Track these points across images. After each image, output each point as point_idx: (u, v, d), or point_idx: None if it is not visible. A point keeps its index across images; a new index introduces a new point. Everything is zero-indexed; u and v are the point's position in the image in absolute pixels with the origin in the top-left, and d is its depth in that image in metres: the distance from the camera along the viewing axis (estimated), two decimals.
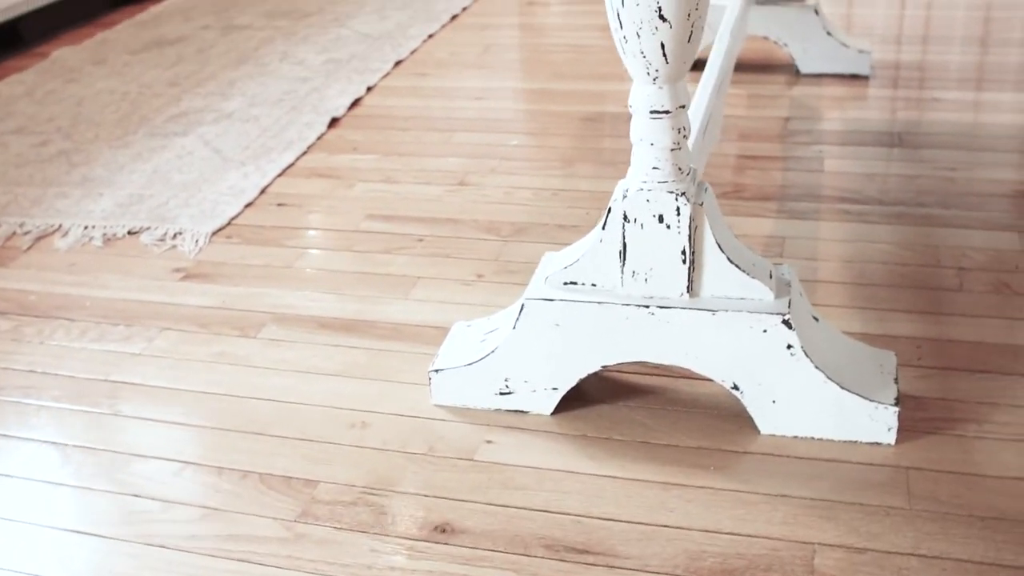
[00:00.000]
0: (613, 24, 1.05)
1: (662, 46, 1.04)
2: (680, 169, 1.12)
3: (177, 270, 1.66)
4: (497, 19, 2.79)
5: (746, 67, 2.30)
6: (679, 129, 1.10)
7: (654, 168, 1.11)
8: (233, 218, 1.82)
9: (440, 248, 1.65)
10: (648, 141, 1.11)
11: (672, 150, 1.11)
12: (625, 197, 1.13)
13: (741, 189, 1.77)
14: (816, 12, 2.17)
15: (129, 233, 1.81)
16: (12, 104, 2.45)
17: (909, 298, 1.43)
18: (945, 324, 1.36)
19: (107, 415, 1.29)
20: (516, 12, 2.84)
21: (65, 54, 2.77)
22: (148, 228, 1.81)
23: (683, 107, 1.10)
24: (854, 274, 1.50)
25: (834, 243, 1.59)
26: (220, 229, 1.79)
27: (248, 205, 1.87)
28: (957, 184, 1.75)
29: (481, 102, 2.24)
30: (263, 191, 1.91)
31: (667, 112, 1.09)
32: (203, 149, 2.09)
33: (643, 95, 1.09)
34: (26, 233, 1.84)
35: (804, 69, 2.24)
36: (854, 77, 2.23)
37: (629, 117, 1.96)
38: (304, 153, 2.05)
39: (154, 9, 3.12)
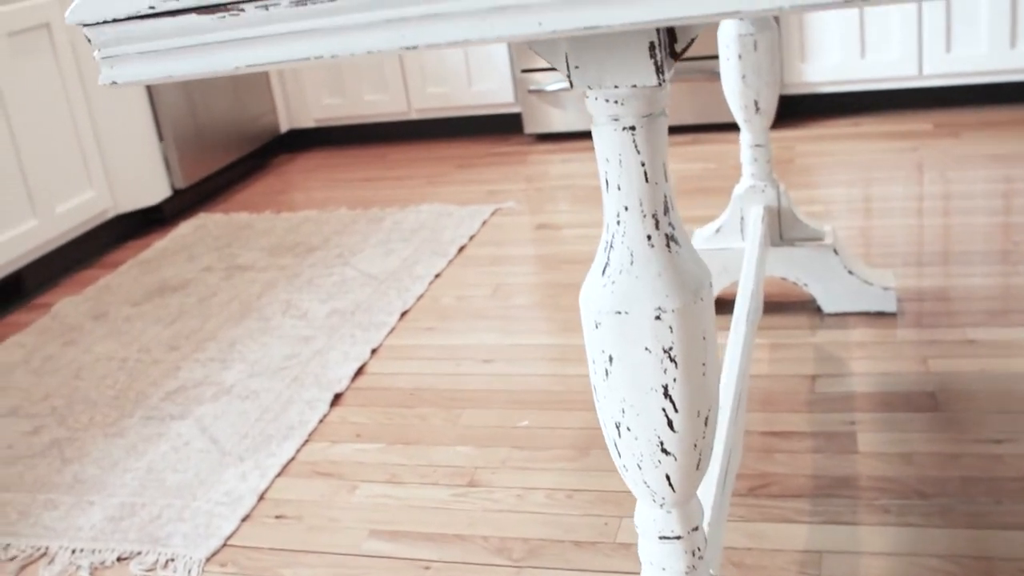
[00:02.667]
0: (612, 452, 0.95)
1: (667, 478, 0.93)
2: None
3: None
4: (507, 249, 2.71)
5: (767, 307, 2.19)
6: (693, 552, 0.98)
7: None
8: (228, 537, 1.71)
9: None
10: (659, 566, 0.99)
11: (686, 574, 0.99)
12: None
13: (768, 482, 1.64)
14: (835, 252, 2.07)
15: (118, 560, 1.69)
16: (10, 374, 2.37)
17: None
18: None
19: None
20: (527, 240, 2.76)
21: (66, 308, 2.71)
22: (139, 553, 1.70)
23: (696, 529, 0.98)
24: None
25: (877, 559, 1.45)
26: (214, 554, 1.67)
27: (245, 519, 1.75)
28: (1006, 464, 1.62)
29: (490, 366, 2.13)
30: (261, 497, 1.80)
31: (678, 537, 0.97)
32: (200, 438, 1.99)
33: (649, 518, 0.98)
34: (11, 559, 1.73)
35: (827, 308, 2.13)
36: (880, 315, 2.11)
37: None
38: (306, 442, 1.95)
39: (159, 244, 3.07)
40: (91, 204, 2.97)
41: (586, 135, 3.56)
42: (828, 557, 1.47)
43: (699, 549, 0.99)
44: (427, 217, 2.99)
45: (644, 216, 0.86)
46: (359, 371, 2.19)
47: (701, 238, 2.15)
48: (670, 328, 0.87)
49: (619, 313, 0.88)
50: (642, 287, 0.87)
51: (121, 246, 3.16)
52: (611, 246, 0.89)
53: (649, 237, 0.87)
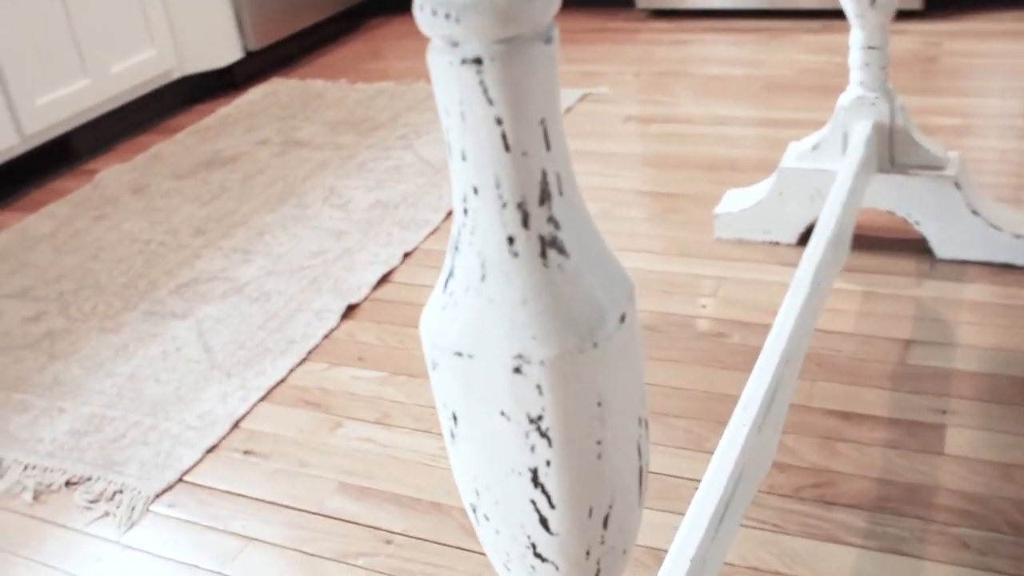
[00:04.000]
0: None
1: None
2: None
3: (95, 559, 1.35)
4: (584, 143, 2.36)
5: (866, 243, 1.81)
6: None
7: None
8: (186, 472, 1.49)
9: (408, 559, 1.27)
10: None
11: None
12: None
13: (821, 482, 1.31)
14: (957, 185, 1.67)
15: (67, 484, 1.50)
16: (32, 250, 2.20)
17: None
18: None
19: None
20: (612, 134, 2.41)
21: (109, 177, 2.52)
22: (88, 480, 1.50)
23: None
24: None
25: None
26: (165, 490, 1.46)
27: (211, 450, 1.53)
28: None
29: None
30: (236, 425, 1.58)
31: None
32: (194, 345, 1.77)
33: None
34: None
35: (941, 253, 1.74)
36: (1007, 268, 1.71)
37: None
38: (302, 361, 1.70)
39: (222, 111, 2.84)
40: (152, 64, 2.74)
41: (711, 14, 3.12)
42: None
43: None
44: None
45: (504, 206, 0.54)
46: (384, 278, 1.92)
47: (794, 154, 1.77)
48: (538, 388, 0.56)
49: (460, 355, 0.57)
50: (495, 319, 0.55)
51: (184, 111, 2.94)
52: (456, 248, 0.57)
53: (511, 240, 0.55)
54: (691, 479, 1.34)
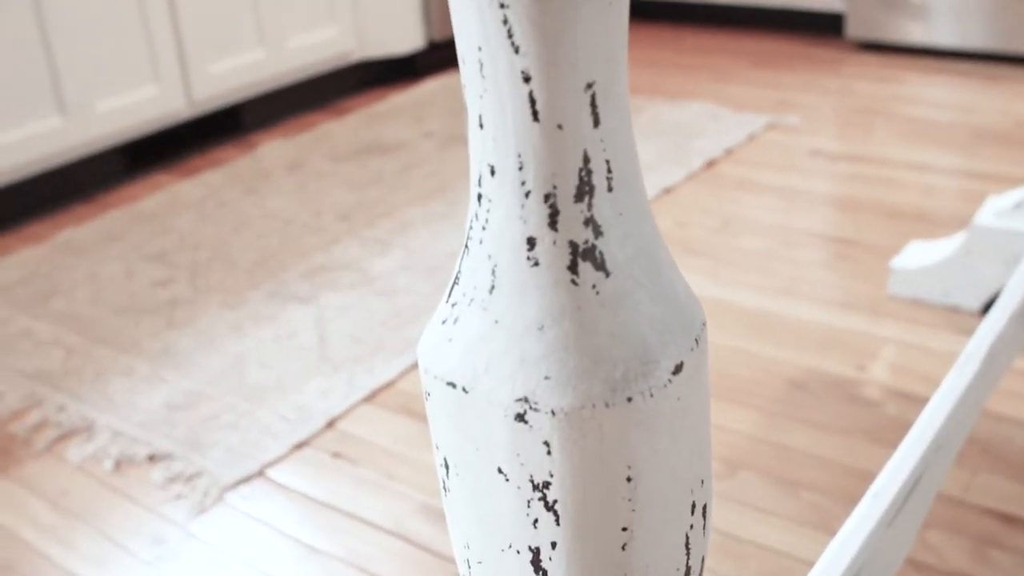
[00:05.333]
0: None
1: None
2: None
3: (157, 541, 1.27)
4: (764, 174, 2.18)
5: None
6: None
7: None
8: (269, 465, 1.40)
9: None
10: None
11: None
12: None
13: None
14: None
15: (149, 458, 1.44)
16: (178, 214, 2.18)
17: None
18: None
19: None
20: (795, 167, 2.21)
21: (269, 151, 2.49)
22: (169, 456, 1.43)
23: None
24: None
25: None
26: (242, 481, 1.37)
27: (300, 446, 1.43)
28: None
29: None
30: (331, 424, 1.48)
31: None
32: (309, 332, 1.69)
33: None
34: (56, 425, 1.52)
35: None
36: None
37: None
38: (415, 366, 1.59)
39: (395, 99, 2.78)
40: (330, 43, 2.70)
41: (929, 52, 2.87)
42: None
43: None
44: (690, 117, 2.49)
45: (526, 195, 0.40)
46: None
47: (992, 211, 1.55)
48: (546, 446, 0.41)
49: (454, 387, 0.43)
50: (501, 346, 0.41)
51: (357, 94, 2.90)
52: (466, 247, 0.43)
53: (531, 243, 0.41)
54: (806, 561, 1.15)
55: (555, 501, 0.42)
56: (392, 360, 1.61)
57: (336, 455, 1.41)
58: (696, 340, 0.43)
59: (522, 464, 0.42)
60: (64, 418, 1.53)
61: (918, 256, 1.66)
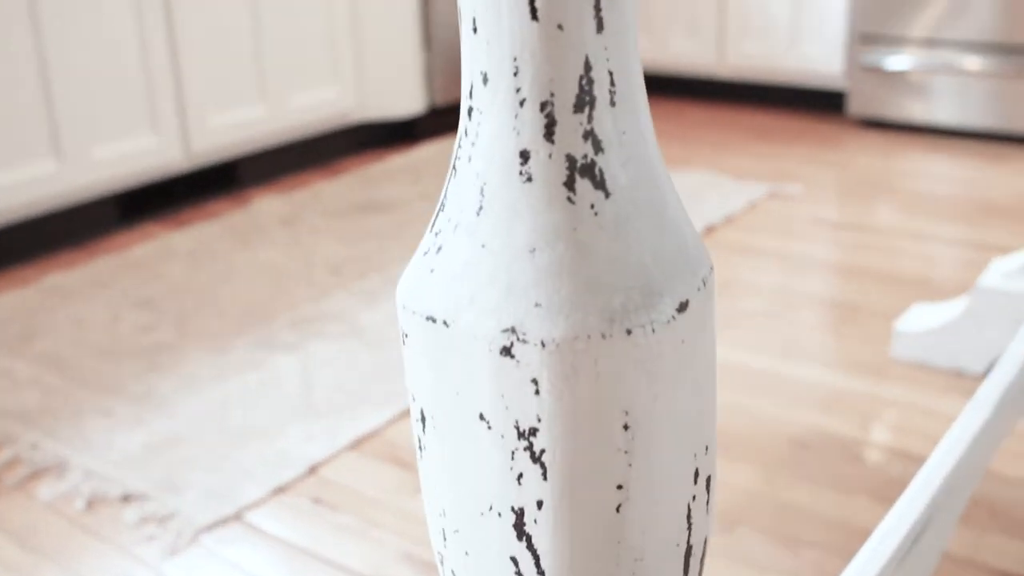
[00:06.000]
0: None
1: None
2: None
3: None
4: (763, 240, 2.15)
5: None
6: None
7: None
8: (246, 508, 1.34)
9: None
10: None
11: None
12: None
13: None
14: None
15: (122, 499, 1.38)
16: (168, 263, 2.14)
17: None
18: None
19: None
20: (796, 234, 2.19)
21: (263, 207, 2.46)
22: (142, 497, 1.37)
23: None
24: None
25: None
26: (217, 524, 1.31)
27: (279, 490, 1.38)
28: None
29: None
30: (312, 470, 1.42)
31: None
32: (294, 380, 1.64)
33: None
34: (28, 463, 1.46)
35: None
36: None
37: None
38: (403, 416, 1.54)
39: (394, 161, 2.77)
40: (331, 103, 2.70)
41: (931, 130, 2.87)
42: None
43: None
44: (690, 184, 2.48)
45: (520, 104, 0.37)
46: None
47: (998, 273, 1.52)
48: (534, 384, 0.37)
49: (433, 322, 0.39)
50: (488, 271, 0.38)
51: (354, 155, 2.89)
52: (453, 168, 0.40)
53: (524, 157, 0.37)
54: None
55: (542, 451, 0.38)
56: (379, 409, 1.56)
57: (317, 501, 1.36)
58: (703, 281, 0.39)
59: (507, 408, 0.37)
60: (37, 456, 1.48)
61: (922, 319, 1.62)
